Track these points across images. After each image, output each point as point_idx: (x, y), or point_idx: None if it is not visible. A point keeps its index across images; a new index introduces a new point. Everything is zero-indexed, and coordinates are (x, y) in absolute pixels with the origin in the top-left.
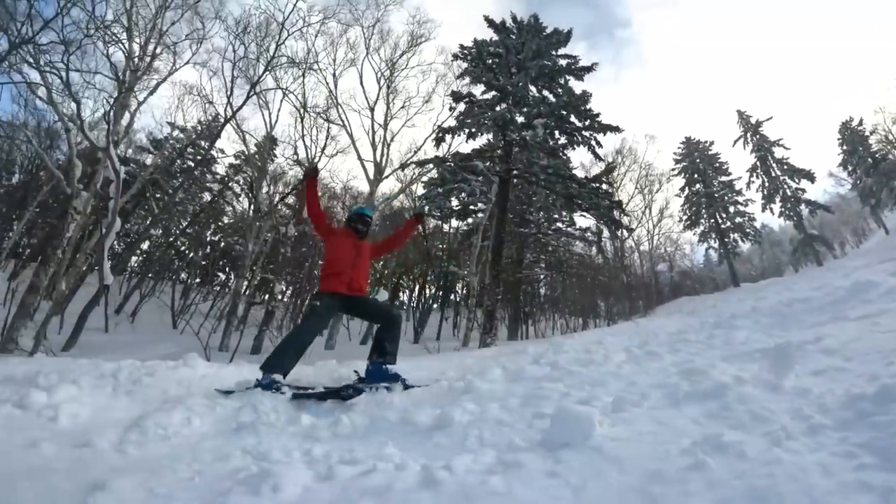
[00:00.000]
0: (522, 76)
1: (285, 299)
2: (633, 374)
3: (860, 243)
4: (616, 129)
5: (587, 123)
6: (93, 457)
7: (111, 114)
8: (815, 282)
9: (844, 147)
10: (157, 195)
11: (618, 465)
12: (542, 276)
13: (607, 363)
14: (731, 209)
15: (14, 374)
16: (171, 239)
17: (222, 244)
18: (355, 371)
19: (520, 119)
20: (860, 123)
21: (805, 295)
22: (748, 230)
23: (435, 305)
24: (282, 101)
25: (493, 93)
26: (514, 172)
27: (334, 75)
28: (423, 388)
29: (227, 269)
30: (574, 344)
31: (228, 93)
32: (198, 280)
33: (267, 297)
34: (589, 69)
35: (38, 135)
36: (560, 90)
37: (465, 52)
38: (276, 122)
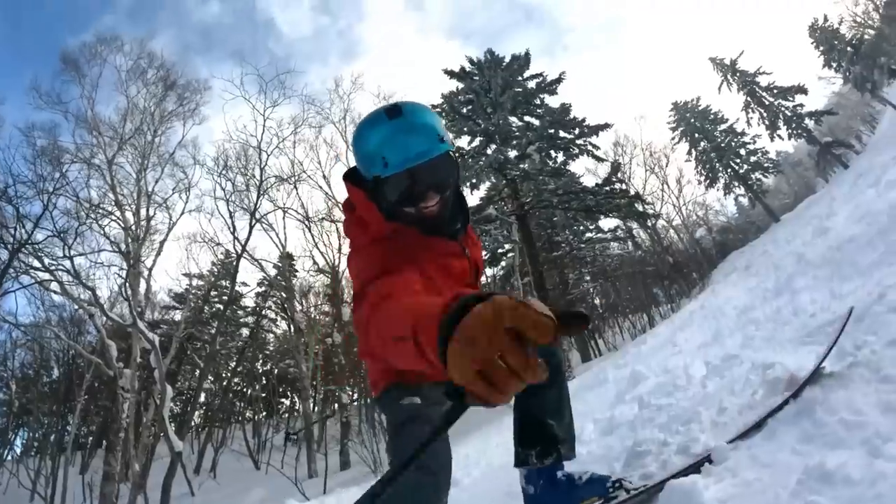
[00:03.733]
0: (500, 113)
1: (354, 403)
2: (719, 392)
3: (874, 129)
4: (605, 127)
5: (577, 132)
6: None
7: (127, 289)
8: (850, 202)
9: (821, 48)
10: (197, 345)
11: None
12: (591, 289)
13: (691, 384)
14: (742, 152)
15: None
16: (225, 383)
17: (275, 371)
18: None
19: (513, 153)
20: (825, 20)
21: (850, 232)
22: (766, 164)
23: None
24: (284, 218)
25: (479, 138)
26: (527, 206)
27: (324, 176)
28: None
29: (288, 392)
30: (652, 363)
31: (231, 229)
32: (263, 413)
33: (336, 406)
34: (558, 81)
35: (64, 326)
36: (540, 111)
37: (438, 109)
38: (286, 239)
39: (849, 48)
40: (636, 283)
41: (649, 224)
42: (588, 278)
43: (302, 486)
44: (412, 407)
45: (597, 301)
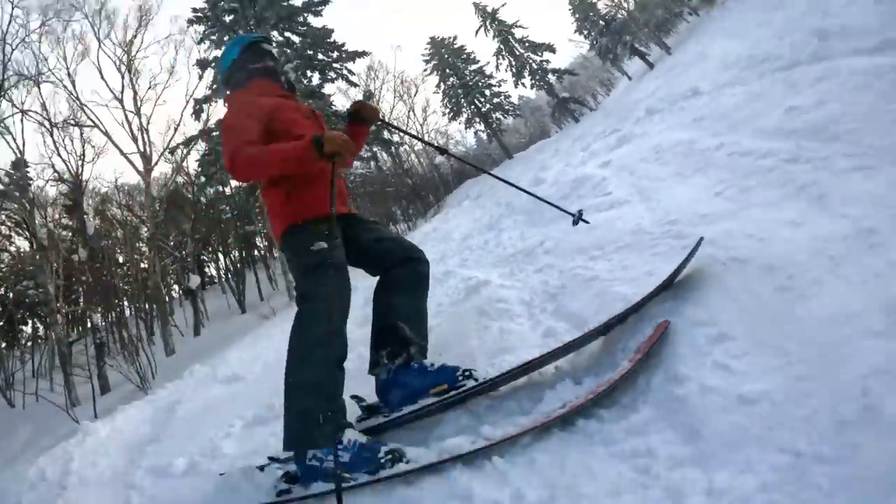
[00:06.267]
0: (263, 27)
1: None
2: (439, 297)
3: (609, 92)
4: (364, 54)
5: (335, 56)
6: None
7: None
8: (564, 159)
9: (577, 16)
10: None
11: None
12: None
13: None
14: (488, 92)
15: None
16: None
17: (11, 295)
18: (355, 397)
19: None
20: None
21: (547, 191)
22: (507, 107)
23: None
24: (22, 120)
25: None
26: None
27: (69, 75)
28: None
29: (30, 319)
30: None
31: None
32: (3, 344)
33: (89, 326)
34: (325, 2)
35: None
36: (302, 29)
37: (200, 14)
38: (24, 145)
39: (601, 21)
40: (377, 201)
41: (392, 151)
42: None
43: (74, 413)
44: (320, 252)
45: None
